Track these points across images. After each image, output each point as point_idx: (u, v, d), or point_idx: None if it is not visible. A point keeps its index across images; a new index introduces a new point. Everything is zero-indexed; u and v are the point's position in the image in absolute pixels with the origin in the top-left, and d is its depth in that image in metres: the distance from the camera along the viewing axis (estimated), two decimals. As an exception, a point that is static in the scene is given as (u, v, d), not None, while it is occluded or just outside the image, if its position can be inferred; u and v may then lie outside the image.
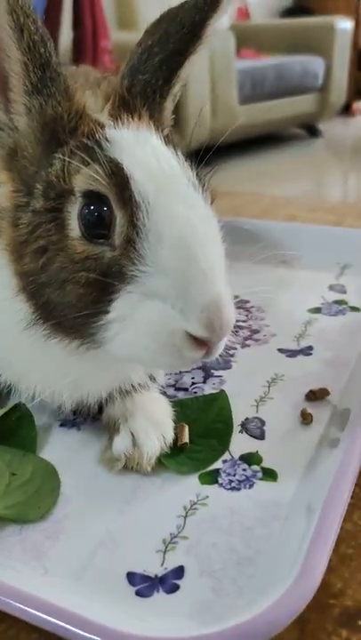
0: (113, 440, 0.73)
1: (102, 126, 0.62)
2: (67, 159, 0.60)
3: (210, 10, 0.68)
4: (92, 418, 0.80)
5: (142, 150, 0.61)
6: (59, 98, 0.62)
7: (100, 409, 0.78)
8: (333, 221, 1.43)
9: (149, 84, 0.68)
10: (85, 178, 0.59)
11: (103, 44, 4.50)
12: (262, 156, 5.78)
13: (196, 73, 4.94)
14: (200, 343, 0.59)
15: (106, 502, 0.68)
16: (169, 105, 0.71)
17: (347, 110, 7.28)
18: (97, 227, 0.59)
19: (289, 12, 7.70)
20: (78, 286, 0.59)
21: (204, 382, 0.88)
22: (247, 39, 6.09)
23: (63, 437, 0.78)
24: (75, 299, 0.60)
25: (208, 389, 0.86)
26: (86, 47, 4.41)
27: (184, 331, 0.58)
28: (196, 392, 0.85)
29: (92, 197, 0.59)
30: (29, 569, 0.60)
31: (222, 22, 0.71)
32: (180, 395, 0.85)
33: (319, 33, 6.26)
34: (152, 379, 0.80)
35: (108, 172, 0.58)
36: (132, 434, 0.72)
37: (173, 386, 0.87)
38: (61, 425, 0.80)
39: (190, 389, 0.86)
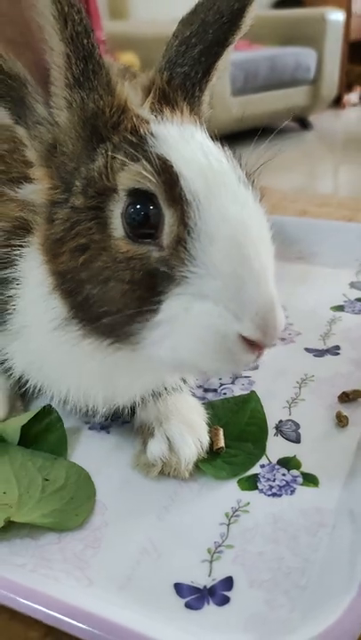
0: (147, 444, 0.71)
1: (146, 121, 0.60)
2: (110, 154, 0.57)
3: None
4: (122, 421, 0.78)
5: (189, 146, 0.58)
6: (101, 91, 0.59)
7: (131, 411, 0.76)
8: (346, 217, 1.40)
9: (189, 76, 0.66)
10: (132, 175, 0.56)
11: (97, 34, 4.45)
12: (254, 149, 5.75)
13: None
14: (252, 346, 0.56)
15: (144, 509, 0.66)
16: (207, 98, 0.68)
17: (338, 103, 7.26)
18: (143, 226, 0.56)
19: (281, 4, 7.66)
20: (123, 283, 0.57)
21: (233, 383, 0.85)
22: (239, 30, 6.02)
23: (93, 441, 0.76)
24: (118, 294, 0.57)
25: (237, 390, 0.84)
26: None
27: (237, 333, 0.55)
28: (225, 393, 0.83)
29: (137, 196, 0.56)
30: (73, 579, 0.58)
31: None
32: (209, 396, 0.83)
33: (311, 24, 6.20)
34: (184, 380, 0.78)
35: (157, 168, 0.55)
36: (168, 438, 0.70)
37: (202, 387, 0.85)
38: (90, 428, 0.78)
39: (219, 390, 0.84)
